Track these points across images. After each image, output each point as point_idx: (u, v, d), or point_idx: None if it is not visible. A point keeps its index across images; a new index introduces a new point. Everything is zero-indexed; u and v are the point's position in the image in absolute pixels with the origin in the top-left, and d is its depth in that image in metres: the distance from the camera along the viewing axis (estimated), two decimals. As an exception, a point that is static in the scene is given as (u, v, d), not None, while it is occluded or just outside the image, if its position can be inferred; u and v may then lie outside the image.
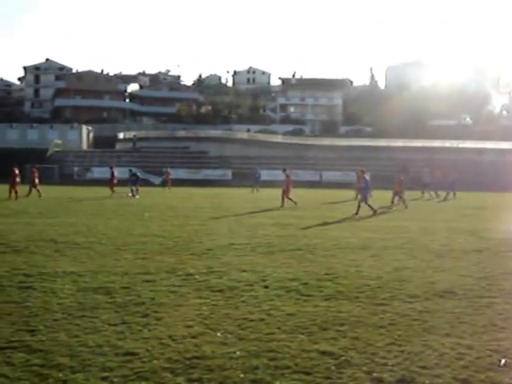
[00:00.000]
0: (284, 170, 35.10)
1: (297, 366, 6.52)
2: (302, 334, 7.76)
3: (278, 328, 8.00)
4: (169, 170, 57.27)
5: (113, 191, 42.68)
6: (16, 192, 36.89)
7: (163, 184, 51.31)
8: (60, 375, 6.14)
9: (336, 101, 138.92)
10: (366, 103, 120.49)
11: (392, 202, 33.79)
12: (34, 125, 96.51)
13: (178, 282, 10.93)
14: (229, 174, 75.13)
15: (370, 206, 27.61)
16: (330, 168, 74.08)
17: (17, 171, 38.82)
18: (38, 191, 40.59)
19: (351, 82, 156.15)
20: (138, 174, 44.38)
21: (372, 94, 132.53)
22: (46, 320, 8.24)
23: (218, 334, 7.65)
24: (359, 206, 27.49)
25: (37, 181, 41.84)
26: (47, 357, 6.71)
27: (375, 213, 27.30)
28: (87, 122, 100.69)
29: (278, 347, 7.15)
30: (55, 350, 6.93)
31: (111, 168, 45.74)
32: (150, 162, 73.20)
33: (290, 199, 32.48)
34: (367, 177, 29.34)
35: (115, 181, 43.89)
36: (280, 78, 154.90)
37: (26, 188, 40.44)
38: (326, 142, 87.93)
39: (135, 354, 6.80)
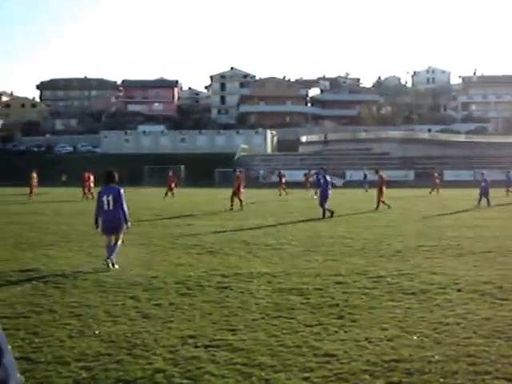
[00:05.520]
0: (234, 171, 33.46)
1: (497, 372, 6.26)
2: (500, 338, 7.44)
3: (475, 332, 7.73)
4: (281, 172, 55.11)
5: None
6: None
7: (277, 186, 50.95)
8: (263, 374, 6.30)
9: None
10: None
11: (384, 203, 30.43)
12: (221, 131, 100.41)
13: (369, 284, 10.89)
14: (411, 174, 73.72)
15: (325, 210, 25.44)
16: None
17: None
18: (168, 193, 43.74)
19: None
20: (319, 176, 44.63)
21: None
22: (245, 319, 8.51)
23: (415, 338, 7.53)
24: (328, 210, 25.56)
25: (173, 185, 44.92)
26: (249, 355, 6.92)
27: (323, 217, 24.94)
28: (271, 127, 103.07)
29: (477, 352, 6.91)
30: (256, 349, 7.13)
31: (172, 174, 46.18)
32: (332, 165, 73.42)
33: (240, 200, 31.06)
34: (328, 177, 26.93)
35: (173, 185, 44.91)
36: (460, 77, 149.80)
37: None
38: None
39: (333, 356, 6.84)
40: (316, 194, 42.76)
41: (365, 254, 14.83)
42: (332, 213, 25.24)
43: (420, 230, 20.43)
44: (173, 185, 44.86)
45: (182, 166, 74.43)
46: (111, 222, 12.95)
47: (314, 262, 13.54)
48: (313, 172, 48.99)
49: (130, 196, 42.95)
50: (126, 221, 13.07)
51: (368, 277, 11.63)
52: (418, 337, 7.56)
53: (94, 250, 14.97)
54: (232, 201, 31.34)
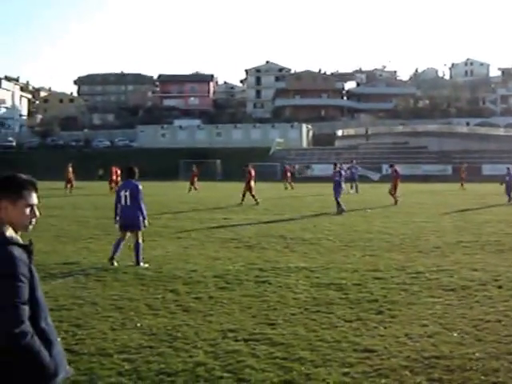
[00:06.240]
0: (246, 166, 32.95)
1: (539, 371, 6.19)
2: (542, 336, 7.36)
3: (516, 330, 7.65)
4: (287, 166, 54.99)
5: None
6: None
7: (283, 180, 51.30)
8: (302, 369, 6.33)
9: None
10: None
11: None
12: (257, 125, 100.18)
13: (408, 280, 10.84)
14: (449, 169, 72.80)
15: (339, 203, 25.10)
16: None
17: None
18: (192, 188, 43.77)
19: None
20: (353, 170, 44.39)
21: None
22: (284, 314, 8.55)
23: (455, 334, 7.49)
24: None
25: (195, 179, 45.01)
26: (288, 350, 6.95)
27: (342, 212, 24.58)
28: (306, 121, 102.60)
29: (519, 350, 6.83)
30: (296, 344, 7.16)
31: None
32: (368, 158, 73.03)
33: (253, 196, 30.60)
34: (342, 171, 26.16)
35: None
36: (499, 69, 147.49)
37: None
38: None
39: (373, 351, 6.85)
40: (352, 188, 42.66)
41: (403, 249, 14.76)
42: (342, 209, 24.89)
43: (458, 225, 20.26)
44: (195, 179, 45.22)
45: (218, 161, 74.68)
46: (128, 218, 12.64)
47: (352, 257, 13.53)
48: (346, 166, 48.76)
49: (166, 190, 43.34)
50: (143, 217, 12.71)
51: (407, 272, 11.59)
52: (459, 334, 7.53)
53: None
54: (253, 196, 30.82)
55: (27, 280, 3.17)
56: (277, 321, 8.19)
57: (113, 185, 41.31)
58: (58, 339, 3.43)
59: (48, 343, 3.22)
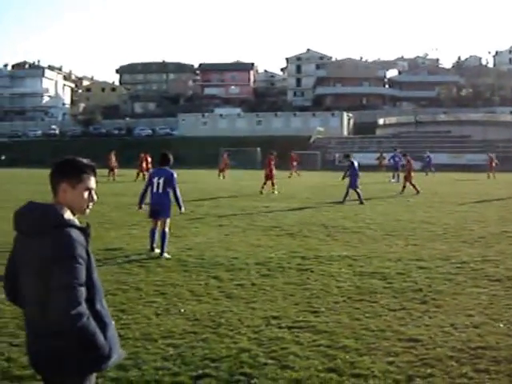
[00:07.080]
0: (271, 154, 32.43)
1: None
2: None
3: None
4: (293, 155, 54.17)
5: None
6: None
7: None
8: (347, 357, 6.29)
9: None
10: None
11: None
12: (297, 113, 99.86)
13: (453, 270, 10.73)
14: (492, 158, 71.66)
15: (347, 194, 24.57)
16: None
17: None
18: (221, 175, 43.76)
19: None
20: (396, 158, 43.91)
21: None
22: (327, 302, 8.53)
23: (501, 325, 7.39)
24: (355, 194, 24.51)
25: (226, 166, 45.43)
26: (332, 338, 6.93)
27: (343, 202, 24.02)
28: (347, 109, 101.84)
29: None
30: (339, 332, 7.14)
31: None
32: (410, 148, 72.17)
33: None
34: (355, 162, 25.36)
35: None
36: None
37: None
38: None
39: (418, 341, 6.78)
40: (394, 177, 42.27)
41: (446, 239, 14.60)
42: (346, 195, 24.57)
43: (502, 215, 19.95)
44: (225, 167, 45.25)
45: (258, 149, 74.64)
46: (158, 204, 12.39)
47: (395, 247, 13.44)
48: (390, 155, 48.34)
49: (206, 178, 43.44)
50: (179, 205, 12.55)
51: (451, 262, 11.46)
52: (505, 324, 7.42)
53: (176, 230, 15.03)
54: (264, 184, 30.53)
55: (84, 262, 3.22)
56: (320, 309, 8.17)
57: (144, 172, 40.91)
58: (113, 322, 3.47)
59: (103, 325, 3.26)
